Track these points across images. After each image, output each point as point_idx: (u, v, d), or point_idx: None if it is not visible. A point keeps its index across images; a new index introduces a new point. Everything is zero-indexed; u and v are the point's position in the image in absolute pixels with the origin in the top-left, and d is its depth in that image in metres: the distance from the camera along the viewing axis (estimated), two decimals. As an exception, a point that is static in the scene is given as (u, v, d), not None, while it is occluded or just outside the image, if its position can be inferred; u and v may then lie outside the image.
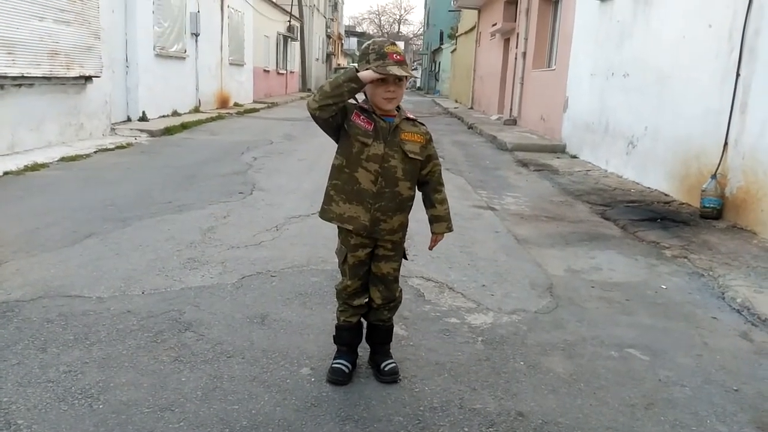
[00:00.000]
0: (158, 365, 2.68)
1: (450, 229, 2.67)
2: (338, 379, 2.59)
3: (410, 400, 2.50)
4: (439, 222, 2.65)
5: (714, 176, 5.83)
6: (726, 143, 5.81)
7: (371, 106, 2.48)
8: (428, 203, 2.66)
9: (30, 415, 2.26)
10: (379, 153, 2.45)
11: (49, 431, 2.17)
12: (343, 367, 2.62)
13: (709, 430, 2.42)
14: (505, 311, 3.51)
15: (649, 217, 5.91)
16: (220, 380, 2.58)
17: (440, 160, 2.69)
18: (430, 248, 2.73)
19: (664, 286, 4.09)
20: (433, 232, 2.67)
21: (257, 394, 2.49)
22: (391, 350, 2.75)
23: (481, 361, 2.88)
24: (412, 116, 2.56)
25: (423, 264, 4.25)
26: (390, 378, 2.61)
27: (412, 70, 65.15)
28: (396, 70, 2.35)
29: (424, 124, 2.61)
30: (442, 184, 2.67)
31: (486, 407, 2.49)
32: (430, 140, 2.60)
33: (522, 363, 2.89)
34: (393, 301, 2.67)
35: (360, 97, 2.49)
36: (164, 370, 2.63)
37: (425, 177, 2.61)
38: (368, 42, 2.46)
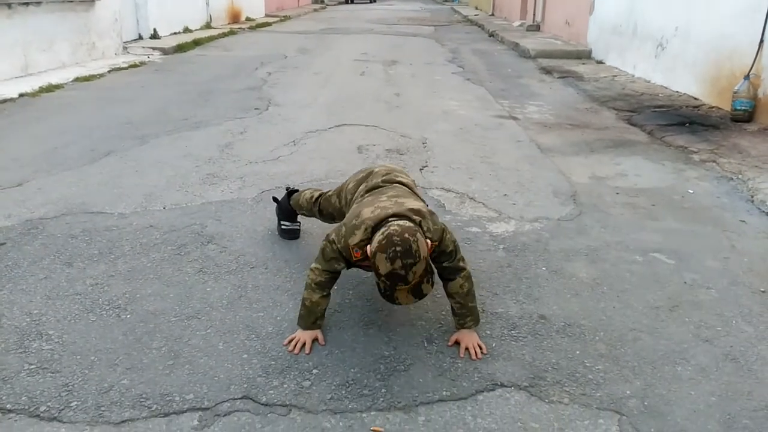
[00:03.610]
0: (183, 276, 2.71)
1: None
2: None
3: (432, 305, 2.51)
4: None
5: (747, 77, 5.56)
6: (762, 41, 5.49)
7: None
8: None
9: (60, 325, 2.32)
10: None
11: (79, 340, 2.23)
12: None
13: (735, 330, 2.40)
14: (527, 219, 3.46)
15: (678, 121, 5.71)
16: (244, 289, 2.61)
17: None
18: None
19: (692, 191, 3.99)
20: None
21: (281, 301, 2.52)
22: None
23: (503, 268, 2.87)
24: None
25: (443, 175, 4.19)
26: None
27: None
28: (404, 297, 2.07)
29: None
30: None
31: (508, 311, 2.49)
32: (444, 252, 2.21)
33: (544, 269, 2.87)
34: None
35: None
36: (189, 281, 2.67)
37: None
38: (384, 264, 1.96)
